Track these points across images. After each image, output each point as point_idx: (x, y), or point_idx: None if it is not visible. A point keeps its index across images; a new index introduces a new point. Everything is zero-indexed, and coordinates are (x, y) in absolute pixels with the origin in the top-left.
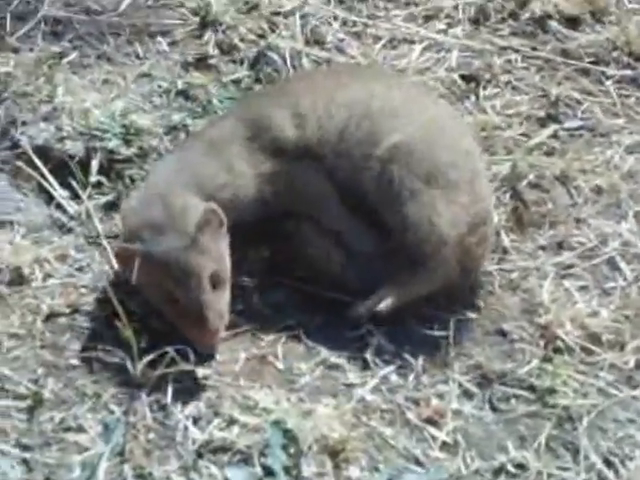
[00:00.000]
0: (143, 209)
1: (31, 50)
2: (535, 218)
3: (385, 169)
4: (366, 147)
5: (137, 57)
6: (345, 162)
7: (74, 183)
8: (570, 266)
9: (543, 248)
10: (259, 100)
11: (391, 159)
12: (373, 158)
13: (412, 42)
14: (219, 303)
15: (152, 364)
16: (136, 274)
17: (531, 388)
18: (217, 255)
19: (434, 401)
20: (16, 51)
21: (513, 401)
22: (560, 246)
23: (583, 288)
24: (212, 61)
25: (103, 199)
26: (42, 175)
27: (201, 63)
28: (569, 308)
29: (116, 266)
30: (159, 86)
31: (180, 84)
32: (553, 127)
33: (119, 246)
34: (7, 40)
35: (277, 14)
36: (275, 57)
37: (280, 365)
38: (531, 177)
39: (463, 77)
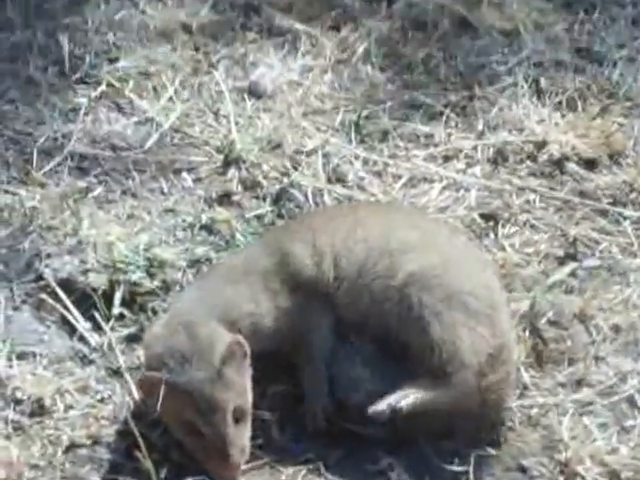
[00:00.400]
0: (167, 337)
1: (57, 185)
2: (554, 355)
3: (404, 296)
4: (384, 280)
5: (162, 193)
6: (365, 296)
7: (97, 315)
8: (589, 403)
9: (562, 385)
10: (281, 234)
11: (408, 285)
12: (391, 288)
13: (432, 181)
14: (241, 437)
15: None
16: (159, 403)
17: None
18: (241, 388)
19: None
20: (42, 186)
21: None
22: (579, 383)
23: (602, 425)
24: (235, 197)
25: (125, 331)
26: (65, 307)
27: (225, 199)
28: (588, 445)
29: (137, 396)
30: (183, 220)
31: (204, 219)
32: (572, 266)
33: (144, 374)
34: (34, 175)
35: (300, 153)
36: (297, 194)
37: None
38: (550, 314)
39: (482, 216)
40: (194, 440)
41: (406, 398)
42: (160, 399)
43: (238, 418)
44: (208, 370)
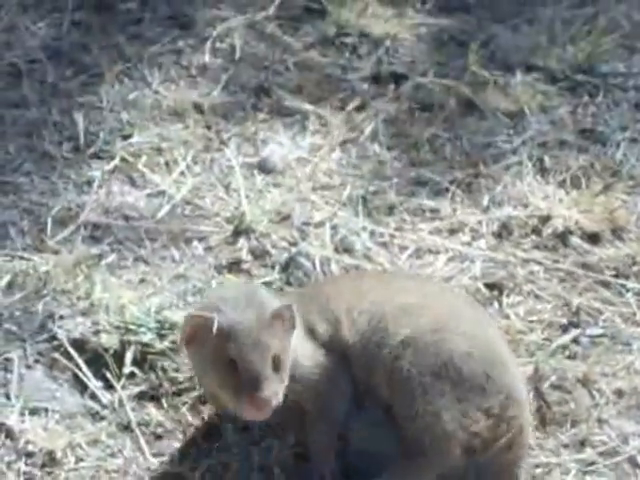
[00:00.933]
0: (225, 291)
1: (70, 252)
2: (558, 417)
3: (394, 366)
4: (379, 347)
5: (173, 260)
6: (362, 361)
7: (108, 374)
8: (592, 463)
9: (565, 446)
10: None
11: (399, 356)
12: (384, 356)
13: (437, 252)
14: (275, 382)
15: None
16: (199, 340)
17: None
18: (283, 343)
19: None
20: (56, 252)
21: None
22: (582, 444)
23: None
24: (245, 265)
25: (136, 389)
26: (77, 366)
27: (234, 266)
28: None
29: (179, 336)
30: (193, 286)
31: (214, 284)
32: (575, 333)
33: (197, 311)
34: (47, 242)
35: (308, 224)
36: (305, 262)
37: None
38: (553, 379)
39: (487, 285)
40: (229, 380)
41: None
42: (203, 339)
43: (276, 367)
44: (258, 318)
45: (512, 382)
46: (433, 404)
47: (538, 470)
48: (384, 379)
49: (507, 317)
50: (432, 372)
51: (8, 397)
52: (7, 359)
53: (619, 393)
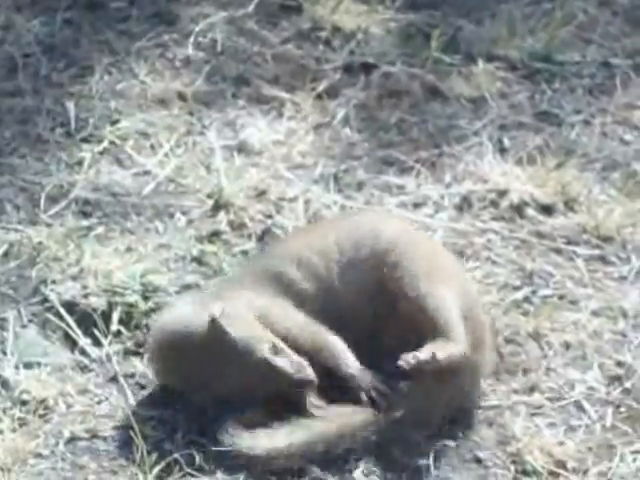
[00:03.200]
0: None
1: (62, 225)
2: (510, 367)
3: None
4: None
5: (157, 232)
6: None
7: (96, 332)
8: (540, 406)
9: (516, 391)
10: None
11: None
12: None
13: None
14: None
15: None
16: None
17: None
18: None
19: None
20: (49, 225)
21: None
22: (532, 390)
23: (551, 424)
24: (224, 236)
25: (122, 346)
26: (68, 325)
27: (214, 237)
28: (538, 440)
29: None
30: (175, 254)
31: (194, 252)
32: (527, 292)
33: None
34: (41, 216)
35: (282, 199)
36: (280, 233)
37: None
38: (507, 333)
39: None
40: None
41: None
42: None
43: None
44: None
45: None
46: (435, 283)
47: (490, 412)
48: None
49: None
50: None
51: (4, 353)
52: (3, 319)
53: (566, 345)
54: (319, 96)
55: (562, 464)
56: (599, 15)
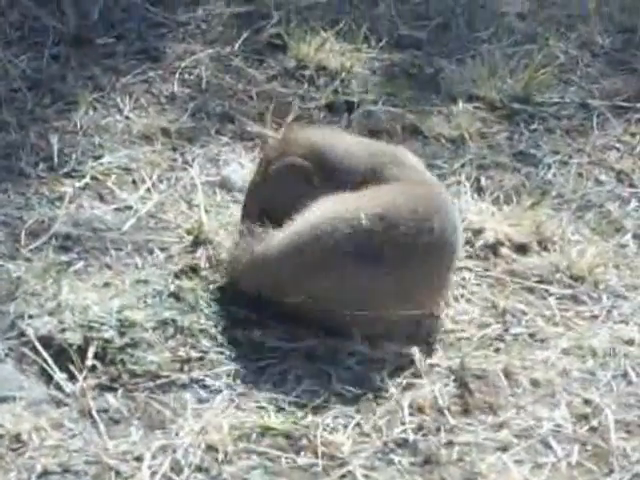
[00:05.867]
0: None
1: (41, 260)
2: (479, 404)
3: None
4: None
5: (136, 267)
6: None
7: (72, 367)
8: (508, 444)
9: (485, 429)
10: None
11: None
12: None
13: None
14: None
15: None
16: None
17: None
18: None
19: None
20: (28, 260)
21: None
22: (500, 427)
23: (518, 462)
24: (202, 272)
25: (97, 380)
26: (44, 360)
27: (192, 273)
28: (505, 476)
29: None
30: (153, 289)
31: (172, 287)
32: (498, 330)
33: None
34: (21, 251)
35: None
36: None
37: None
38: (477, 371)
39: None
40: None
41: None
42: None
43: None
44: None
45: None
46: None
47: (457, 448)
48: None
49: (438, 318)
50: None
51: None
52: None
53: (535, 383)
54: None
55: None
56: (579, 56)
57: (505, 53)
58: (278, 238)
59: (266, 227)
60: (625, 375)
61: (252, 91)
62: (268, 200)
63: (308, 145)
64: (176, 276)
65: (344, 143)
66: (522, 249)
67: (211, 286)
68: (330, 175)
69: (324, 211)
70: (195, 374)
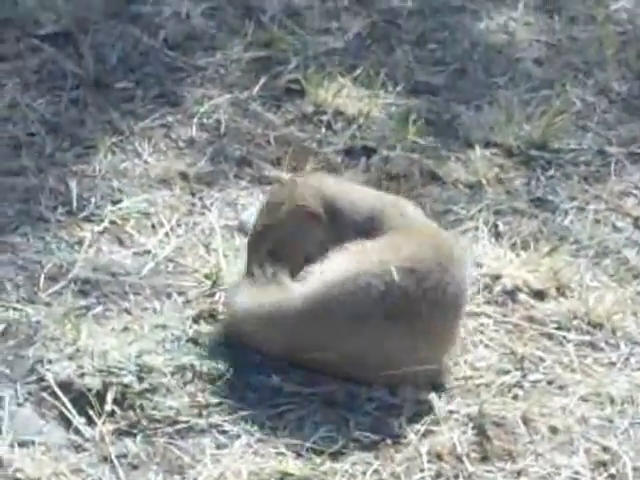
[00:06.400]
0: None
1: (60, 304)
2: (498, 451)
3: None
4: None
5: (154, 312)
6: None
7: (91, 412)
8: None
9: (504, 476)
10: None
11: None
12: None
13: None
14: None
15: None
16: None
17: None
18: None
19: None
20: (47, 305)
21: None
22: (519, 474)
23: None
24: (220, 317)
25: (116, 425)
26: (63, 405)
27: (210, 318)
28: None
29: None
30: (172, 334)
31: (190, 333)
32: (517, 377)
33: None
34: (40, 295)
35: None
36: None
37: None
38: (496, 417)
39: None
40: None
41: None
42: None
43: None
44: None
45: None
46: None
47: None
48: None
49: (457, 364)
50: None
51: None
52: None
53: (554, 430)
54: None
55: None
56: (596, 103)
57: (522, 99)
58: (300, 294)
59: (276, 272)
60: None
61: (270, 136)
62: (277, 243)
63: (317, 191)
64: (194, 321)
65: (350, 191)
66: (540, 295)
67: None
68: (336, 222)
69: (348, 265)
70: (214, 419)
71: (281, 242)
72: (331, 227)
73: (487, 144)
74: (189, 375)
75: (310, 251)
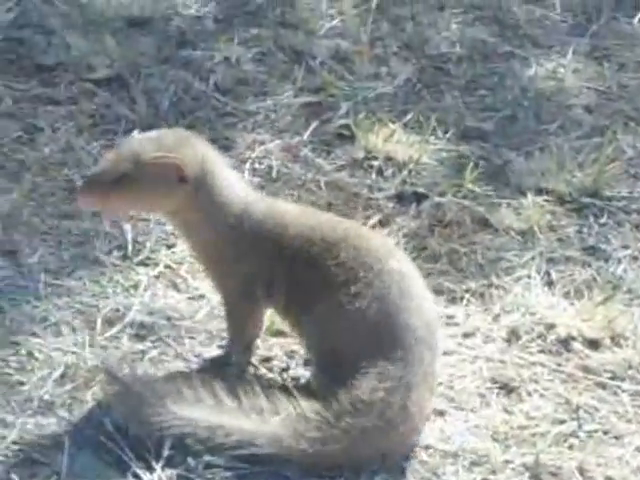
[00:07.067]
0: None
1: (117, 348)
2: None
3: None
4: None
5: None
6: None
7: (149, 457)
8: None
9: None
10: None
11: None
12: None
13: (451, 354)
14: None
15: None
16: None
17: None
18: None
19: None
20: (104, 348)
21: None
22: None
23: None
24: (275, 362)
25: (174, 471)
26: (121, 449)
27: (266, 362)
28: None
29: None
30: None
31: (247, 377)
32: (573, 427)
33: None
34: (97, 339)
35: None
36: None
37: None
38: (552, 468)
39: (495, 383)
40: None
41: None
42: None
43: None
44: None
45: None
46: None
47: None
48: None
49: (512, 413)
50: None
51: (59, 475)
52: (59, 442)
53: None
54: (370, 223)
55: None
56: None
57: (573, 146)
58: None
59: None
60: None
61: (321, 181)
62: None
63: (195, 155)
64: (250, 364)
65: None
66: (594, 344)
67: (284, 374)
68: (202, 198)
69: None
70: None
71: (135, 192)
72: (196, 199)
73: (539, 191)
74: None
75: (164, 212)
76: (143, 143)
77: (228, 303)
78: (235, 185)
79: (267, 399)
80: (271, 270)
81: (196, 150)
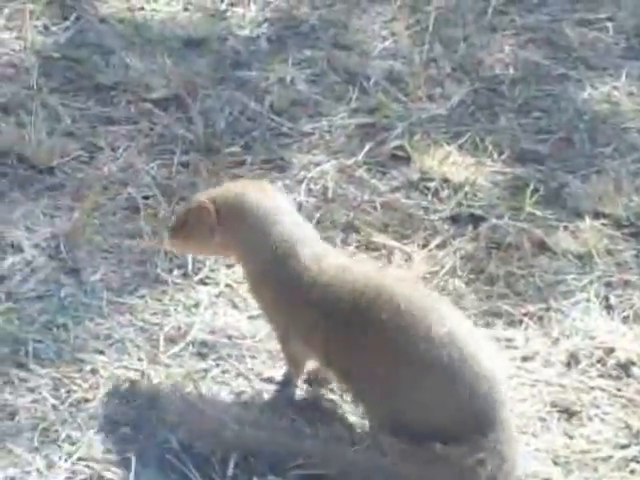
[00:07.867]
0: None
1: (180, 366)
2: None
3: None
4: None
5: (271, 377)
6: None
7: (213, 475)
8: None
9: None
10: None
11: None
12: None
13: (510, 378)
14: None
15: None
16: None
17: None
18: None
19: None
20: (167, 366)
21: None
22: None
23: None
24: (333, 383)
25: None
26: (186, 467)
27: (324, 381)
28: None
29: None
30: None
31: (308, 397)
32: (634, 452)
33: None
34: (160, 357)
35: None
36: None
37: None
38: None
39: (554, 407)
40: None
41: None
42: None
43: None
44: None
45: None
46: None
47: None
48: None
49: (573, 437)
50: None
51: None
52: (126, 459)
53: None
54: (427, 246)
55: None
56: None
57: (629, 170)
58: None
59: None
60: None
61: (376, 202)
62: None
63: (226, 194)
64: (309, 384)
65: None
66: None
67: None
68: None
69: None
70: None
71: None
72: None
73: (596, 215)
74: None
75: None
76: (202, 192)
77: (277, 337)
78: (283, 234)
79: (326, 419)
80: (305, 323)
81: (245, 198)
